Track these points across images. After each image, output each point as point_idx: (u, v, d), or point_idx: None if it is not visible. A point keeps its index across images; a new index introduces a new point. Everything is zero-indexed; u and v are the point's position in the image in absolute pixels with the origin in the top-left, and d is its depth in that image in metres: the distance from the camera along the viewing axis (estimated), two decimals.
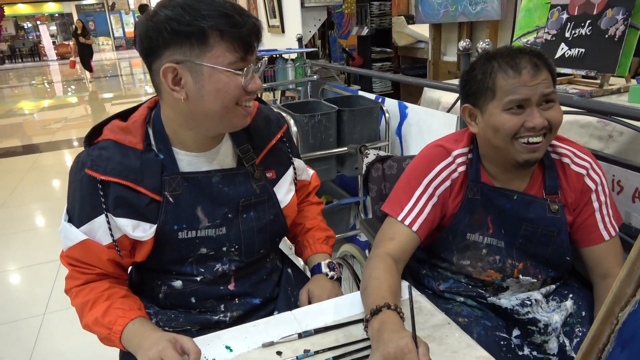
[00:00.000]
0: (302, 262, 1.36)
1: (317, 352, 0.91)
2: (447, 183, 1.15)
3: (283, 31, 4.21)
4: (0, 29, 18.89)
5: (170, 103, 1.00)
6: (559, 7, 2.12)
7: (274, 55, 3.09)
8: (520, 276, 1.15)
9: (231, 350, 0.93)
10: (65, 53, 21.26)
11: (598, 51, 1.92)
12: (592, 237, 1.13)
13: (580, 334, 1.10)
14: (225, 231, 1.09)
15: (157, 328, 1.01)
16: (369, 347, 0.91)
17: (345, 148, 2.35)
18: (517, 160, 1.06)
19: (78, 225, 1.01)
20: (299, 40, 3.42)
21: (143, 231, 1.01)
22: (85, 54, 12.10)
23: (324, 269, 1.22)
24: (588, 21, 1.97)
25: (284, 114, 1.35)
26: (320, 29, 4.30)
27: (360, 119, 2.33)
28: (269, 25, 4.49)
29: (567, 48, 2.05)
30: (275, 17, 4.25)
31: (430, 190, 1.14)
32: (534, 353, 1.12)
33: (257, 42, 0.97)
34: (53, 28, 24.96)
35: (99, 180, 0.98)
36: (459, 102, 1.26)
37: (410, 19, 5.24)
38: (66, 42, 22.39)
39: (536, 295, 1.16)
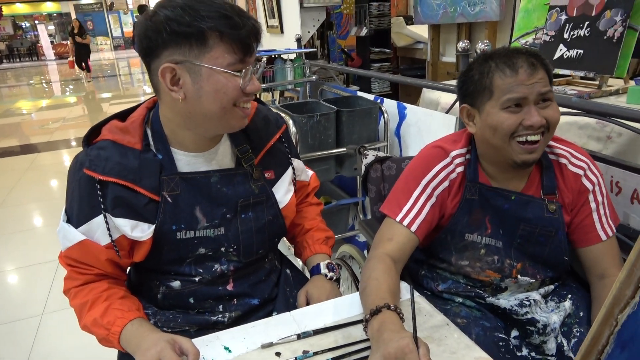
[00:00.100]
0: (301, 263, 1.36)
1: (316, 353, 0.90)
2: (446, 184, 1.16)
3: (282, 31, 4.21)
4: None
5: (168, 103, 1.00)
6: (557, 8, 2.12)
7: (273, 56, 3.09)
8: (519, 276, 1.16)
9: (230, 351, 0.93)
10: (63, 53, 21.24)
11: (597, 52, 1.92)
12: (589, 238, 1.13)
13: (578, 334, 1.11)
14: (224, 231, 1.09)
15: (156, 329, 1.01)
16: (368, 347, 0.91)
17: (344, 149, 2.35)
18: (514, 160, 1.06)
19: (76, 226, 1.01)
20: (298, 40, 3.42)
21: (141, 231, 1.01)
22: (82, 54, 12.07)
23: (323, 270, 1.22)
24: (587, 22, 1.97)
25: (282, 115, 1.35)
26: (319, 30, 4.30)
27: (359, 119, 2.33)
28: (267, 26, 4.49)
29: (566, 49, 2.06)
30: (274, 17, 4.25)
31: (428, 190, 1.15)
32: (533, 354, 1.12)
33: (256, 43, 0.97)
34: (51, 28, 24.93)
35: (97, 180, 0.98)
36: (457, 103, 1.26)
37: (409, 20, 5.24)
38: (64, 42, 22.33)
39: (535, 295, 1.16)
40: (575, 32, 2.02)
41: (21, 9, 24.63)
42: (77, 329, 1.05)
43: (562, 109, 1.43)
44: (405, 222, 1.12)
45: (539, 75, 1.03)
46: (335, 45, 5.19)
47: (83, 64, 12.25)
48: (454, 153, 1.17)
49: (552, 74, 1.07)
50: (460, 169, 1.16)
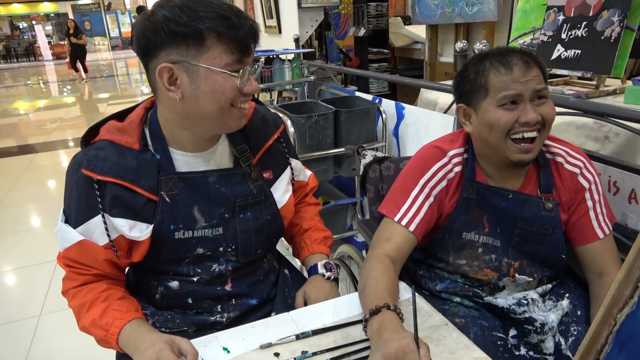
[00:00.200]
0: (299, 263, 1.36)
1: (315, 354, 0.90)
2: (443, 183, 1.16)
3: (280, 32, 4.20)
4: None
5: (166, 103, 1.00)
6: (555, 8, 2.12)
7: (271, 56, 3.09)
8: (516, 275, 1.16)
9: (228, 351, 0.93)
10: (61, 53, 21.19)
11: (594, 52, 1.92)
12: (586, 236, 1.14)
13: (575, 333, 1.11)
14: (222, 231, 1.08)
15: (154, 329, 1.00)
16: (367, 348, 0.91)
17: (343, 149, 2.35)
18: (510, 159, 1.07)
19: (75, 226, 1.01)
20: (296, 40, 3.42)
21: (139, 231, 1.01)
22: (78, 55, 11.98)
23: (321, 270, 1.22)
24: (584, 23, 1.97)
25: (280, 115, 1.35)
26: (317, 30, 4.30)
27: (358, 119, 2.33)
28: (265, 26, 4.49)
29: (564, 49, 2.06)
30: (272, 17, 4.24)
31: (426, 190, 1.15)
32: (531, 353, 1.13)
33: (254, 44, 0.97)
34: (49, 28, 24.86)
35: (95, 180, 0.98)
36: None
37: (407, 20, 5.25)
38: (62, 42, 22.28)
39: (532, 294, 1.16)
40: (573, 33, 2.02)
41: (18, 9, 24.57)
42: (75, 330, 1.05)
43: (560, 109, 1.44)
44: (404, 222, 1.13)
45: (533, 73, 1.04)
46: (333, 46, 5.19)
47: (79, 64, 12.17)
48: (451, 153, 1.17)
49: (546, 72, 1.09)
50: (458, 169, 1.17)
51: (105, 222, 0.99)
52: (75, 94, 11.10)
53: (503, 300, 1.17)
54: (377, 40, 5.35)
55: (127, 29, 25.26)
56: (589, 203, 1.14)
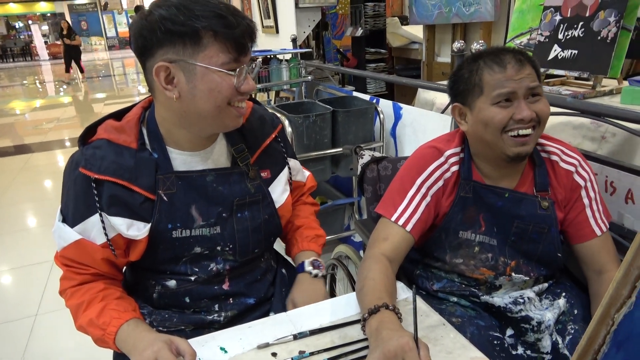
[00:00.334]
0: None
1: (312, 354, 0.90)
2: (440, 183, 1.16)
3: (277, 32, 4.20)
4: None
5: (163, 102, 1.00)
6: (552, 8, 2.13)
7: (268, 56, 3.09)
8: (513, 274, 1.16)
9: (226, 351, 0.93)
10: (57, 53, 21.07)
11: (591, 53, 1.93)
12: (584, 233, 1.14)
13: (572, 331, 1.12)
14: (220, 230, 1.08)
15: (152, 329, 1.00)
16: (365, 347, 0.91)
17: (340, 149, 2.34)
18: (507, 154, 1.08)
19: (72, 225, 1.00)
20: (293, 40, 3.42)
21: (137, 230, 1.01)
22: (73, 55, 11.87)
23: (307, 267, 1.21)
24: (581, 23, 1.98)
25: (278, 115, 1.35)
26: (314, 30, 4.30)
27: (355, 119, 2.33)
28: (263, 26, 4.48)
29: (560, 49, 2.06)
30: (269, 17, 4.24)
31: (423, 190, 1.15)
32: (528, 352, 1.13)
33: (251, 43, 0.98)
34: (45, 28, 24.77)
35: (93, 179, 0.98)
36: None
37: (404, 20, 5.25)
38: (58, 42, 22.22)
39: (529, 293, 1.17)
40: (570, 33, 2.03)
41: (14, 9, 24.48)
42: (71, 330, 1.05)
43: (556, 109, 1.44)
44: (401, 222, 1.13)
45: (526, 71, 1.05)
46: (331, 46, 5.19)
47: (75, 65, 12.08)
48: (448, 152, 1.18)
49: (539, 70, 1.10)
50: (454, 168, 1.17)
51: (102, 221, 0.99)
52: (72, 94, 11.06)
53: (499, 299, 1.17)
54: (375, 40, 5.35)
55: (123, 29, 25.20)
56: (585, 201, 1.15)
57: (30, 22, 24.52)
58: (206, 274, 1.10)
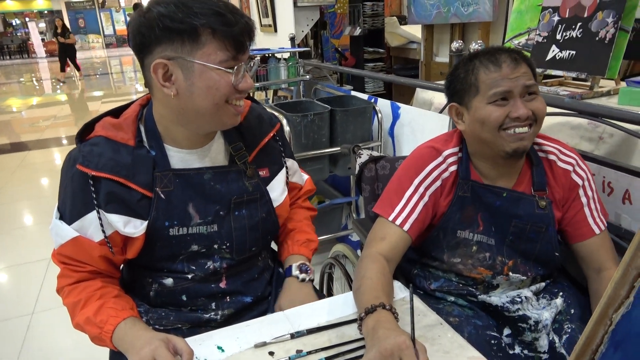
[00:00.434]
0: None
1: (309, 353, 0.90)
2: (438, 183, 1.16)
3: (275, 30, 4.20)
4: None
5: (161, 99, 1.00)
6: (550, 9, 2.13)
7: (267, 55, 3.09)
8: (510, 273, 1.16)
9: (223, 350, 0.92)
10: (54, 50, 20.97)
11: (588, 53, 1.93)
12: (583, 232, 1.15)
13: (569, 330, 1.12)
14: (217, 228, 1.08)
15: (149, 328, 1.00)
16: (362, 347, 0.91)
17: (338, 148, 2.34)
18: (505, 150, 1.08)
19: (69, 222, 1.00)
20: (292, 39, 3.42)
21: (134, 227, 1.00)
22: (68, 54, 11.75)
23: (294, 272, 1.20)
24: (579, 24, 1.98)
25: (276, 114, 1.34)
26: (312, 29, 4.29)
27: (353, 119, 2.33)
28: (261, 25, 4.48)
29: (558, 50, 2.07)
30: (267, 16, 4.24)
31: (421, 190, 1.15)
32: (525, 351, 1.13)
33: (249, 41, 0.97)
34: (42, 25, 24.69)
35: (90, 176, 0.97)
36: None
37: (403, 20, 5.26)
38: (54, 40, 22.17)
39: (526, 292, 1.17)
40: (568, 33, 2.03)
41: (11, 6, 24.40)
42: (68, 328, 1.05)
43: (554, 110, 1.44)
44: (398, 222, 1.13)
45: (522, 70, 1.06)
46: (329, 45, 5.19)
47: (70, 63, 12.00)
48: (446, 152, 1.18)
49: (535, 69, 1.10)
50: (453, 168, 1.17)
51: (100, 218, 0.99)
52: (69, 92, 11.03)
53: (497, 298, 1.17)
54: (373, 39, 5.35)
55: (121, 27, 25.13)
56: (583, 199, 1.15)
57: (27, 19, 24.45)
58: (203, 272, 1.09)
